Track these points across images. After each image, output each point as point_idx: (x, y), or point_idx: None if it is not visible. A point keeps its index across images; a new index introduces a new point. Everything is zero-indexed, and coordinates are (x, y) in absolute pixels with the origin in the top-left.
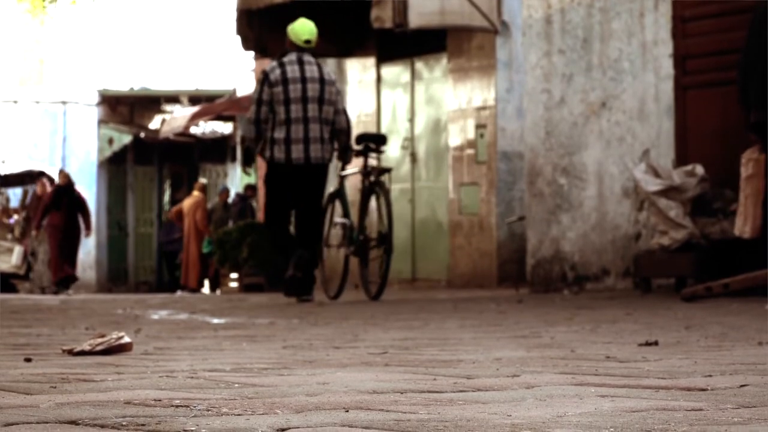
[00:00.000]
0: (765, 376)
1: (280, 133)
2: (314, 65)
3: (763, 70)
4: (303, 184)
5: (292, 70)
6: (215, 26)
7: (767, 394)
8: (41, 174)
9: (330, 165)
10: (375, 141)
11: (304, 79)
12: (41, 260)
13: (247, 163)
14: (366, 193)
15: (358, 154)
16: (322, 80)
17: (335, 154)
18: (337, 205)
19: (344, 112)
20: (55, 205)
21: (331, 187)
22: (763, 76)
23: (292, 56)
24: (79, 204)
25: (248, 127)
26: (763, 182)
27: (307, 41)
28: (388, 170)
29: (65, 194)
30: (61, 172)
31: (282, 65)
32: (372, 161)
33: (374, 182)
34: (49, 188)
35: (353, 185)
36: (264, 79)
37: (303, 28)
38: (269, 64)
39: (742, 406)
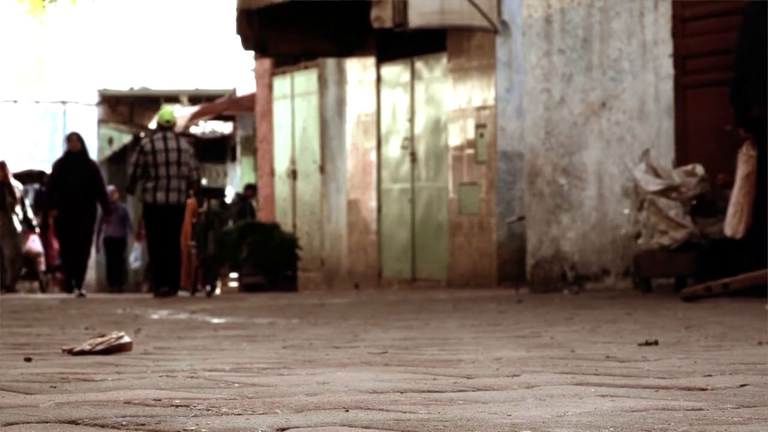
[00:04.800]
0: (765, 375)
1: (150, 185)
2: (173, 139)
3: (761, 66)
4: (165, 219)
5: (159, 144)
6: (215, 26)
7: (767, 393)
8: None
9: (186, 207)
10: (215, 191)
11: (167, 150)
12: (5, 256)
13: (130, 192)
14: (206, 226)
15: (206, 199)
16: (179, 150)
17: (190, 195)
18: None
19: (197, 169)
20: (65, 177)
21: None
22: (762, 72)
23: (158, 134)
24: (95, 177)
25: (128, 180)
26: (756, 179)
27: (168, 121)
28: (218, 212)
29: (77, 164)
30: (73, 135)
31: (152, 141)
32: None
33: (210, 219)
34: (9, 172)
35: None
36: (140, 150)
37: (164, 113)
38: (143, 138)
39: (742, 406)
